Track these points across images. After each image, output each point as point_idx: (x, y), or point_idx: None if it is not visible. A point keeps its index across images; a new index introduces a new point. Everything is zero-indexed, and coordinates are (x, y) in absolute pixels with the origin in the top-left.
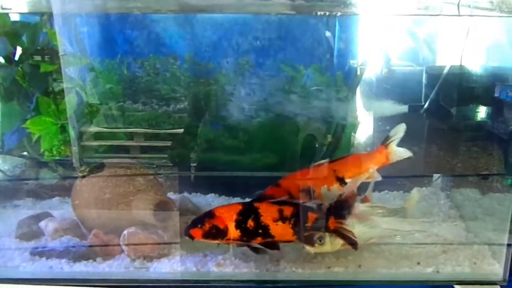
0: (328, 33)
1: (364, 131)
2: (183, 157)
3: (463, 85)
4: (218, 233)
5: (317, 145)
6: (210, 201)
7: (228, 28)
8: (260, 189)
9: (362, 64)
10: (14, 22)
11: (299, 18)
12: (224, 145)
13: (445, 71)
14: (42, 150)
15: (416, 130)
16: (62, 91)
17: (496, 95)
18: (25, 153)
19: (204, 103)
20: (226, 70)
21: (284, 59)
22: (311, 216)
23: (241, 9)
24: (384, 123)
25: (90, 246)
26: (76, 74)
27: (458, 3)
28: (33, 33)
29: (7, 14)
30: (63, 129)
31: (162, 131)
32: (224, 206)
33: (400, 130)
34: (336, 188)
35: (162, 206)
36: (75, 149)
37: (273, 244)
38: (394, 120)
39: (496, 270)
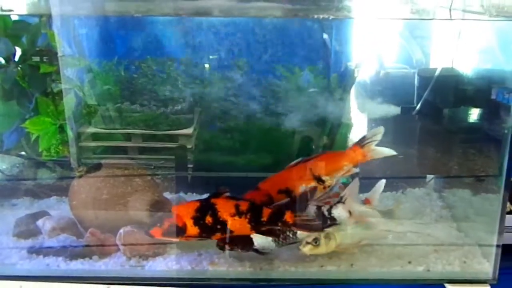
0: (324, 36)
1: (358, 132)
2: None
3: (455, 87)
4: (177, 231)
5: (313, 147)
6: None
7: (224, 31)
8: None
9: (356, 67)
10: (15, 22)
11: (296, 21)
12: (220, 146)
13: (437, 73)
14: (40, 150)
15: (408, 131)
16: (61, 91)
17: (493, 97)
18: (23, 153)
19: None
20: (221, 72)
21: (280, 61)
22: (267, 211)
23: (236, 13)
24: (377, 124)
25: (87, 245)
26: (75, 75)
27: (450, 7)
28: (33, 35)
29: (8, 15)
30: (62, 129)
31: (160, 133)
32: (182, 204)
33: (378, 132)
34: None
35: (159, 206)
36: (72, 149)
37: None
38: (387, 121)
39: (486, 269)
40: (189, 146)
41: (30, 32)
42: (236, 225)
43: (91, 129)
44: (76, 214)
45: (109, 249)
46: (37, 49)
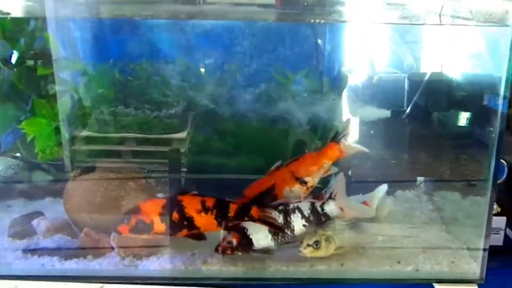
0: (318, 40)
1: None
2: None
3: (444, 91)
4: (144, 227)
5: (306, 150)
6: None
7: (217, 34)
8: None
9: (348, 71)
10: (14, 24)
11: (288, 25)
12: (213, 149)
13: (427, 77)
14: (36, 151)
15: (398, 135)
16: (55, 93)
17: (485, 103)
18: (17, 154)
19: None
20: (214, 75)
21: (273, 65)
22: (233, 206)
23: (229, 16)
24: (369, 127)
25: (81, 245)
26: (70, 77)
27: (440, 12)
28: (31, 37)
29: (7, 18)
30: (58, 130)
31: (153, 136)
32: (149, 201)
33: (346, 125)
34: (298, 188)
35: None
36: (67, 152)
37: (199, 235)
38: (377, 124)
39: (474, 269)
40: (182, 150)
41: (28, 35)
42: (203, 221)
43: (85, 133)
44: (70, 216)
45: (103, 249)
46: (34, 51)
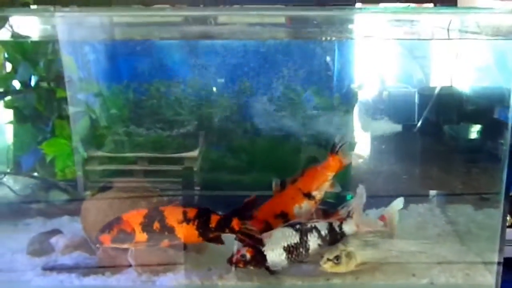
0: (327, 57)
1: (361, 150)
2: None
3: (454, 105)
4: (125, 237)
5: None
6: None
7: (228, 54)
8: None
9: (358, 87)
10: (34, 47)
11: (298, 43)
12: (226, 166)
13: (437, 91)
14: (56, 170)
15: (409, 149)
16: (74, 114)
17: (495, 116)
18: (35, 174)
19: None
20: (226, 94)
21: (284, 83)
22: (214, 217)
23: (240, 36)
24: (380, 142)
25: (99, 262)
26: (85, 99)
27: (448, 27)
28: (50, 60)
29: (27, 41)
30: (76, 150)
31: (166, 156)
32: (131, 211)
33: (342, 136)
34: (307, 204)
35: None
36: (82, 171)
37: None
38: (388, 139)
39: (489, 281)
40: (195, 169)
41: (48, 57)
42: (184, 231)
43: (99, 153)
44: (88, 233)
45: (120, 263)
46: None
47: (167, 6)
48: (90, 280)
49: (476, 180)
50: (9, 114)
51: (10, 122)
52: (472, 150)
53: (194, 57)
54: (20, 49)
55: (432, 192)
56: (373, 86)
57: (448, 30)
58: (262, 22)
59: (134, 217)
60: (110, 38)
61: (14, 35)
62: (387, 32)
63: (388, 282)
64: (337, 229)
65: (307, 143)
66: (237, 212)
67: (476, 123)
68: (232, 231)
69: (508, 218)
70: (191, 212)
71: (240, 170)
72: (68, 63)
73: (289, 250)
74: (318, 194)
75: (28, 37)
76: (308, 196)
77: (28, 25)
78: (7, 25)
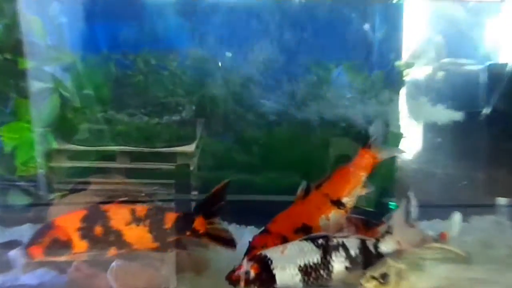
0: (365, 25)
1: (409, 146)
2: None
3: None
4: (61, 248)
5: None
6: None
7: (236, 15)
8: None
9: (406, 63)
10: None
11: (328, 5)
12: (233, 163)
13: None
14: (17, 164)
15: (473, 144)
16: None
17: None
18: None
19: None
20: (235, 70)
21: (309, 55)
22: (171, 216)
23: None
24: (434, 135)
25: (71, 282)
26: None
27: None
28: (11, 21)
29: None
30: (42, 139)
31: (154, 150)
32: (66, 215)
33: (378, 126)
34: (335, 213)
35: None
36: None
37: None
38: (445, 130)
39: None
40: (191, 168)
41: (7, 17)
42: (134, 235)
43: (68, 146)
44: None
45: (98, 285)
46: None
47: None
48: None
49: None
50: None
51: None
52: None
53: (194, 21)
54: None
55: (501, 201)
56: (426, 62)
57: None
58: None
59: (70, 221)
60: None
61: None
62: None
63: None
64: (372, 248)
65: (337, 135)
66: (202, 208)
67: None
68: (195, 233)
69: None
70: (142, 210)
71: (252, 168)
72: (33, 25)
73: (306, 270)
74: (349, 201)
75: None
76: (338, 203)
77: None
78: None
